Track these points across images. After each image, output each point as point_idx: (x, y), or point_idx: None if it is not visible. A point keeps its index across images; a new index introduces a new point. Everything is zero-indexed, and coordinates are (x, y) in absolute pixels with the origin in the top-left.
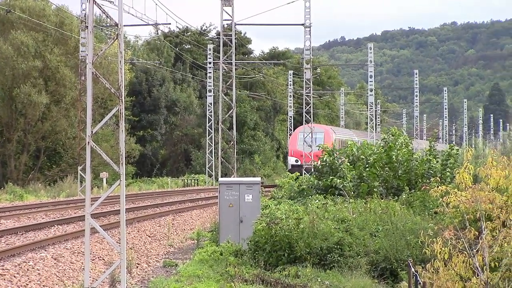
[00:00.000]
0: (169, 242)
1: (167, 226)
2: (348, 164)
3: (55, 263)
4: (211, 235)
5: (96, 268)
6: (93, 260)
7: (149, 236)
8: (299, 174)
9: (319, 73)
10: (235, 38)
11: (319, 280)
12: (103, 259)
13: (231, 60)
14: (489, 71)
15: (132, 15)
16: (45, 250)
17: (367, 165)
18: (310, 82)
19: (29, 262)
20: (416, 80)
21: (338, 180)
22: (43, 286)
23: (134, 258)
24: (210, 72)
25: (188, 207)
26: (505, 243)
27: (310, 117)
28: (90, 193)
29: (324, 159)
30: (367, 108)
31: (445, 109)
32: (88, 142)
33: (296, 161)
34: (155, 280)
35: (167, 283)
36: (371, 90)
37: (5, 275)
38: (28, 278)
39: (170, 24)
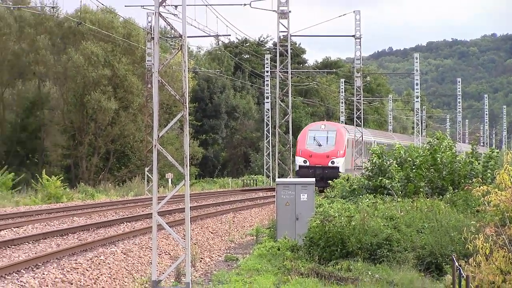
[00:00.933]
0: (230, 238)
1: (228, 223)
2: (396, 165)
3: (124, 258)
4: (269, 232)
5: (163, 262)
6: (160, 254)
7: (211, 233)
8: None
9: (368, 81)
10: (290, 48)
11: (370, 273)
12: (169, 254)
13: (287, 68)
14: None
15: (195, 27)
16: (115, 245)
17: (413, 167)
18: (360, 89)
19: (100, 257)
20: (459, 88)
21: (387, 181)
22: (114, 279)
23: (197, 253)
24: (268, 80)
25: (248, 205)
26: None
27: (361, 122)
28: (156, 193)
29: (374, 161)
30: (414, 113)
31: (486, 114)
32: (155, 145)
33: (305, 161)
34: (217, 273)
35: (229, 276)
36: (417, 97)
37: (78, 268)
38: (100, 272)
39: (230, 35)
